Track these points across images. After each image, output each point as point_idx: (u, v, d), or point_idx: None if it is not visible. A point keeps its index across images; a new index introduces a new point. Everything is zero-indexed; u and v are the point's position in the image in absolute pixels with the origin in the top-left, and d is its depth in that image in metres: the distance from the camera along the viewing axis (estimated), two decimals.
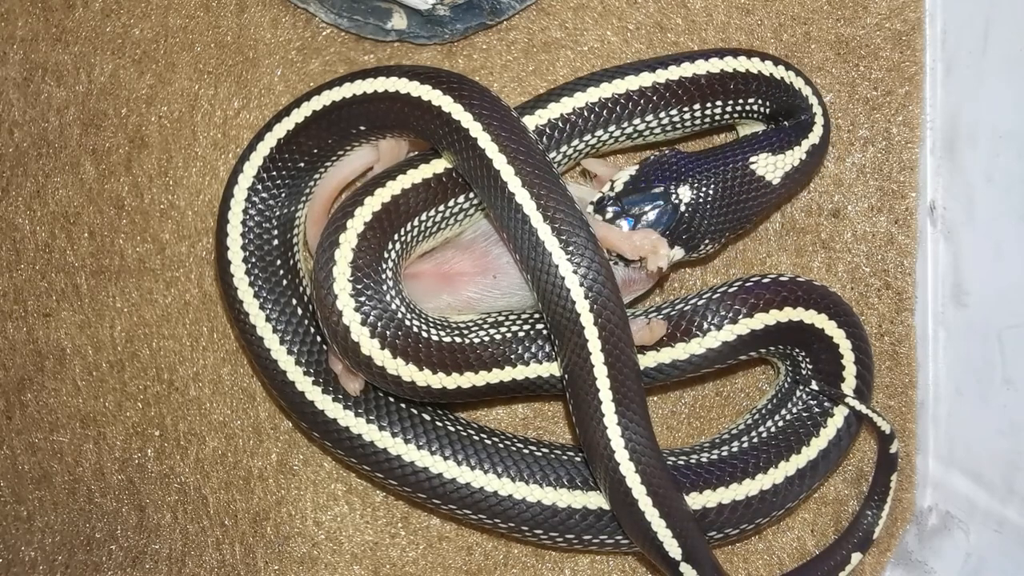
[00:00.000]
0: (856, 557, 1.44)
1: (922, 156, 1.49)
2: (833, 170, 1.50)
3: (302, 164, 1.37)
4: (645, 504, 1.25)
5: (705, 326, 1.31)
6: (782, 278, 1.35)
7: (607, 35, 1.50)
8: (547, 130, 1.34)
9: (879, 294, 1.50)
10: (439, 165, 1.32)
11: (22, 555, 1.56)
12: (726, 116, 1.37)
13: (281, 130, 1.35)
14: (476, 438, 1.36)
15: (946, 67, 1.47)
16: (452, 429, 1.36)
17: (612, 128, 1.35)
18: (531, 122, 1.34)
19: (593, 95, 1.34)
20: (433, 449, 1.33)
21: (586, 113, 1.34)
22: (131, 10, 1.53)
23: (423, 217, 1.32)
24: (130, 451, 1.54)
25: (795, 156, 1.33)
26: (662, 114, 1.34)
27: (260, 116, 1.51)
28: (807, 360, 1.37)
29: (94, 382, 1.55)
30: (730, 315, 1.31)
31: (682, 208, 1.29)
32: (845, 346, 1.35)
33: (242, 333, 1.36)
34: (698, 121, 1.37)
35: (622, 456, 1.24)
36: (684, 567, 1.28)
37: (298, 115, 1.34)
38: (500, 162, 1.22)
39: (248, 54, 1.52)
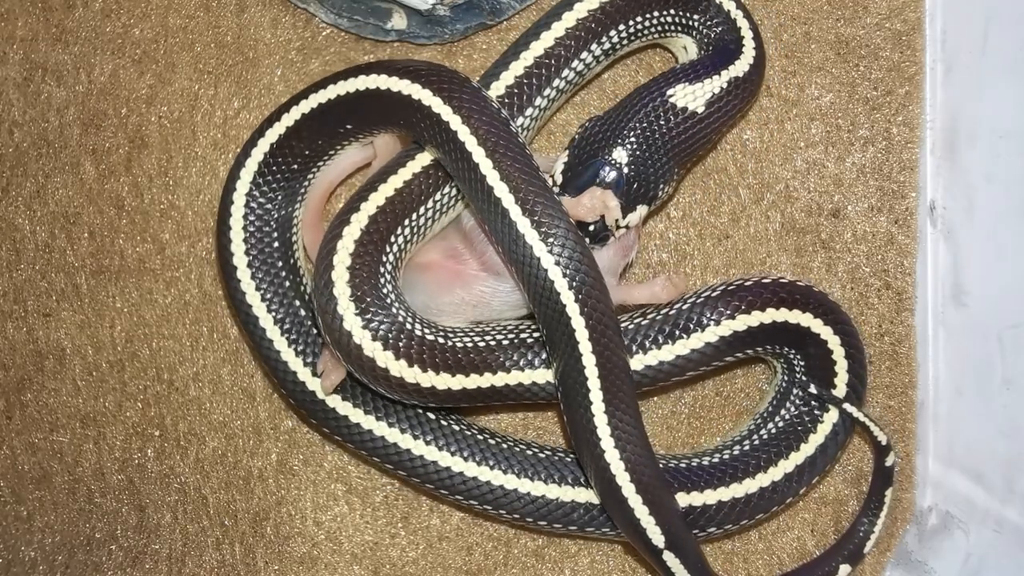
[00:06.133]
0: (844, 569, 1.44)
1: (922, 156, 1.49)
2: (833, 170, 1.50)
3: (296, 166, 1.38)
4: (628, 491, 1.26)
5: (691, 327, 1.33)
6: (765, 280, 1.36)
7: None
8: (534, 70, 1.34)
9: (879, 294, 1.50)
10: (425, 158, 1.33)
11: (22, 555, 1.56)
12: (676, 26, 1.39)
13: (273, 134, 1.36)
14: (480, 437, 1.38)
15: (946, 67, 1.47)
16: (456, 428, 1.38)
17: (593, 47, 1.36)
18: (519, 64, 1.34)
19: (570, 19, 1.35)
20: (440, 444, 1.36)
21: (569, 40, 1.35)
22: (131, 10, 1.53)
23: (421, 211, 1.33)
24: (130, 451, 1.54)
25: (714, 84, 1.34)
26: (630, 21, 1.37)
27: (260, 116, 1.51)
28: (799, 359, 1.38)
29: (94, 382, 1.55)
30: (715, 317, 1.33)
31: (624, 170, 1.31)
32: (834, 342, 1.35)
33: (249, 335, 1.38)
34: (656, 28, 1.39)
35: (607, 444, 1.25)
36: (667, 555, 1.29)
37: (288, 119, 1.35)
38: (479, 155, 1.23)
39: (248, 54, 1.52)
